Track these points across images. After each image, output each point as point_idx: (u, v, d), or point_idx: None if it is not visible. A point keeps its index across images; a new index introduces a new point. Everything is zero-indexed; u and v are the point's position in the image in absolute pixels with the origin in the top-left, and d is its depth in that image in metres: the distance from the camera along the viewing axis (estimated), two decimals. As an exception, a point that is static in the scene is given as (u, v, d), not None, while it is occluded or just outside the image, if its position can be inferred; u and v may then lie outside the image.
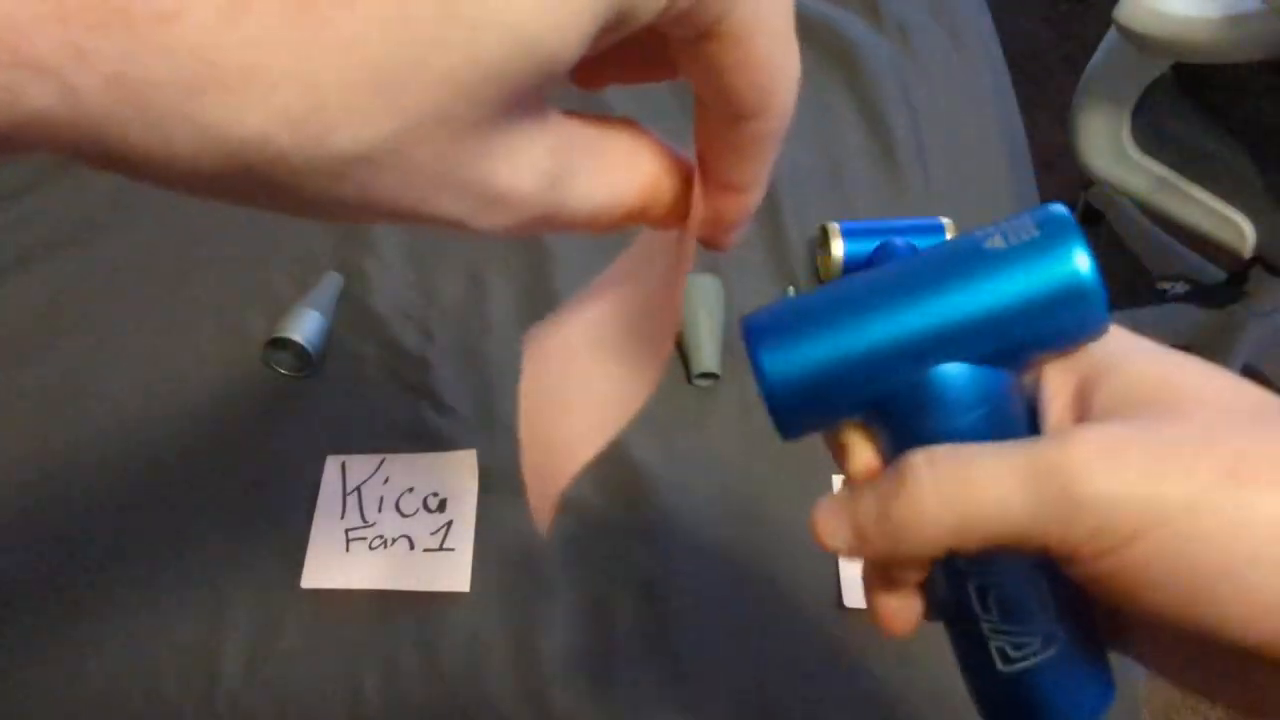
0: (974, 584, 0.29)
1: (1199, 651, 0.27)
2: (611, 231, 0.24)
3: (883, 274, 0.29)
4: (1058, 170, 1.80)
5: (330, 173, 0.16)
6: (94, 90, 0.14)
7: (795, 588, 0.68)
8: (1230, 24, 1.09)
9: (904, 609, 0.30)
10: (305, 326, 0.79)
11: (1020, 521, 0.25)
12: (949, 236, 0.83)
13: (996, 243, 0.27)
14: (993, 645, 0.30)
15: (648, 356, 0.27)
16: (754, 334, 0.29)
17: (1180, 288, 1.61)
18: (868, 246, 0.83)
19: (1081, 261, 0.26)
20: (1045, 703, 0.29)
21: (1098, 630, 0.30)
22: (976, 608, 0.29)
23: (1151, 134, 1.33)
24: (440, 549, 0.71)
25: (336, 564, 0.70)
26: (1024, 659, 0.29)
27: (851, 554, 0.28)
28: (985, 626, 0.29)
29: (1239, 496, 0.23)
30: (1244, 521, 0.22)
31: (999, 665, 0.29)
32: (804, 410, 0.29)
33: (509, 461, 0.75)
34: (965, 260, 0.28)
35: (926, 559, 0.28)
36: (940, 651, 0.66)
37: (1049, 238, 0.27)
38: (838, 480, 0.72)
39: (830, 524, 0.28)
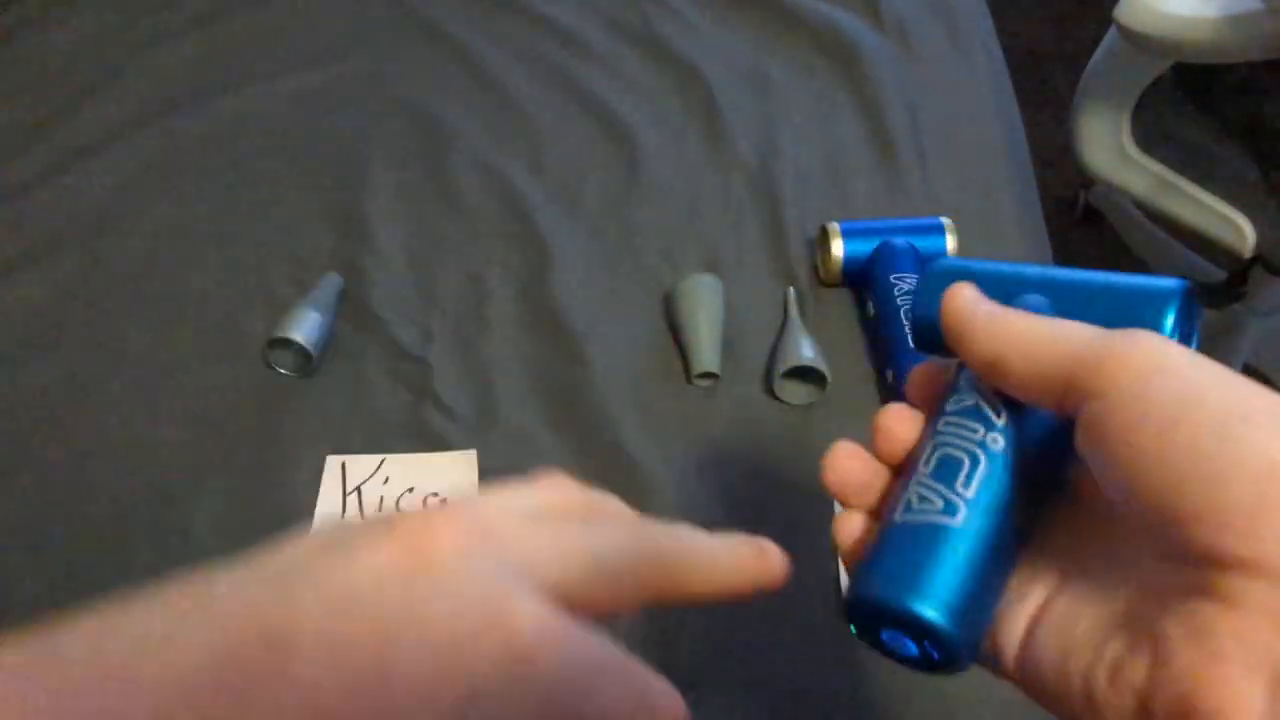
0: (934, 441, 0.31)
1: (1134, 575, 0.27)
2: None
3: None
4: (1058, 170, 1.80)
5: None
6: None
7: (795, 588, 0.68)
8: (1230, 24, 1.09)
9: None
10: (305, 326, 0.79)
11: (1072, 355, 0.26)
12: (949, 236, 0.83)
13: None
14: (907, 494, 0.31)
15: None
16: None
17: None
18: (868, 246, 0.83)
19: None
20: (906, 564, 0.30)
21: (999, 583, 0.30)
22: (920, 462, 0.31)
23: (1151, 134, 1.33)
24: (440, 549, 0.71)
25: (336, 564, 0.70)
26: (918, 513, 0.30)
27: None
28: (914, 479, 0.31)
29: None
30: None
31: (896, 515, 0.31)
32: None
33: (509, 461, 0.75)
34: None
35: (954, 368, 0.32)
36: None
37: None
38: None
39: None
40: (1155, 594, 0.25)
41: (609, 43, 1.10)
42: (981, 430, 0.31)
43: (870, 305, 0.82)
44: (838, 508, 0.68)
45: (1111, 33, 1.28)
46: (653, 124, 1.01)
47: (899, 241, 0.82)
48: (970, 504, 0.29)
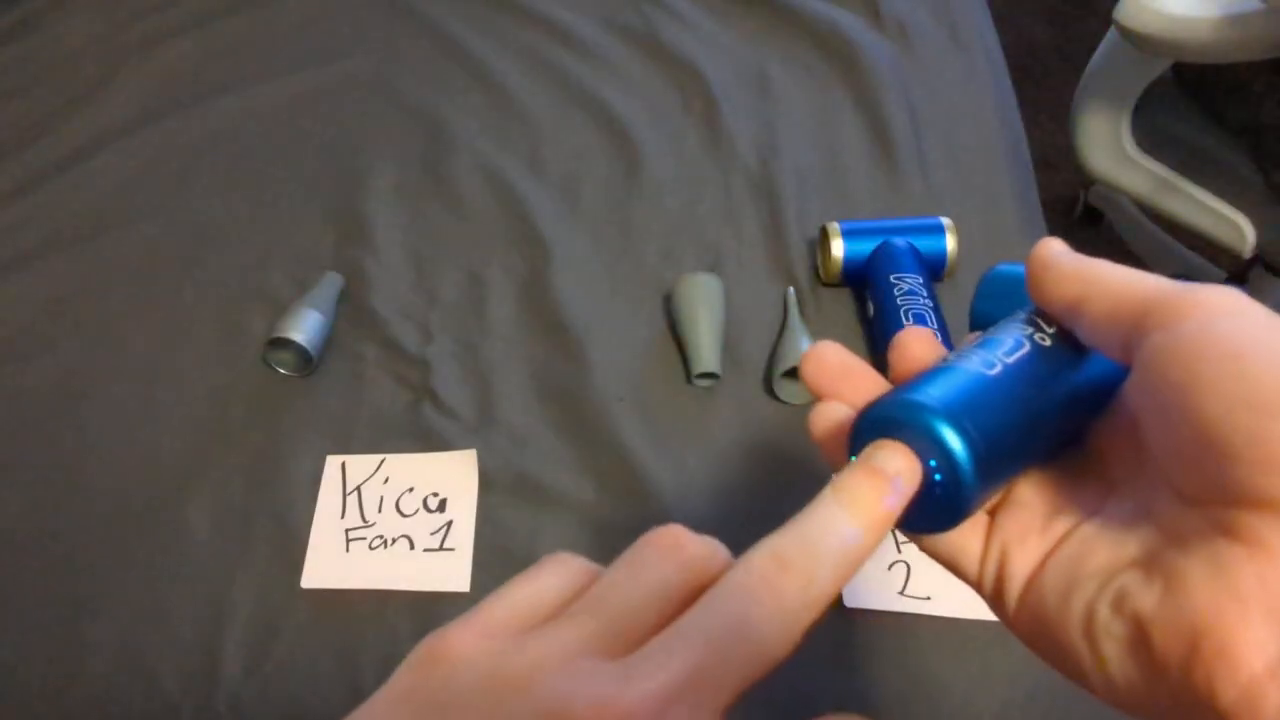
0: (977, 338, 0.30)
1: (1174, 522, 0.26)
2: None
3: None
4: (1058, 170, 1.80)
5: None
6: None
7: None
8: (1230, 24, 1.09)
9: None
10: (305, 326, 0.79)
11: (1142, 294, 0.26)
12: (949, 236, 0.83)
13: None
14: (938, 361, 0.30)
15: None
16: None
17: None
18: (868, 246, 0.83)
19: None
20: (927, 383, 0.28)
21: (1017, 452, 0.29)
22: (957, 348, 0.30)
23: (1151, 134, 1.33)
24: (440, 549, 0.71)
25: (336, 564, 0.70)
26: (950, 362, 0.29)
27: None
28: (949, 354, 0.30)
29: None
30: None
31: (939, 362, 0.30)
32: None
33: (509, 461, 0.75)
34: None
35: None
36: (940, 652, 0.66)
37: None
38: (838, 480, 0.72)
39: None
40: (1178, 537, 0.25)
41: (609, 43, 1.10)
42: (1031, 329, 0.30)
43: (870, 305, 0.82)
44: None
45: (1111, 33, 1.28)
46: (653, 124, 1.01)
47: (899, 241, 0.82)
48: (1009, 367, 0.28)
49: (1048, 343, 0.29)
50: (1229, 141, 1.29)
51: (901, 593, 0.67)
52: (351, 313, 0.85)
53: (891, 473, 0.27)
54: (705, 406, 0.78)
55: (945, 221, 0.84)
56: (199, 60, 1.10)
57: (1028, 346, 0.29)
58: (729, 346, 0.80)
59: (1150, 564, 0.25)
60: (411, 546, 0.71)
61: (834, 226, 0.84)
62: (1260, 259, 1.33)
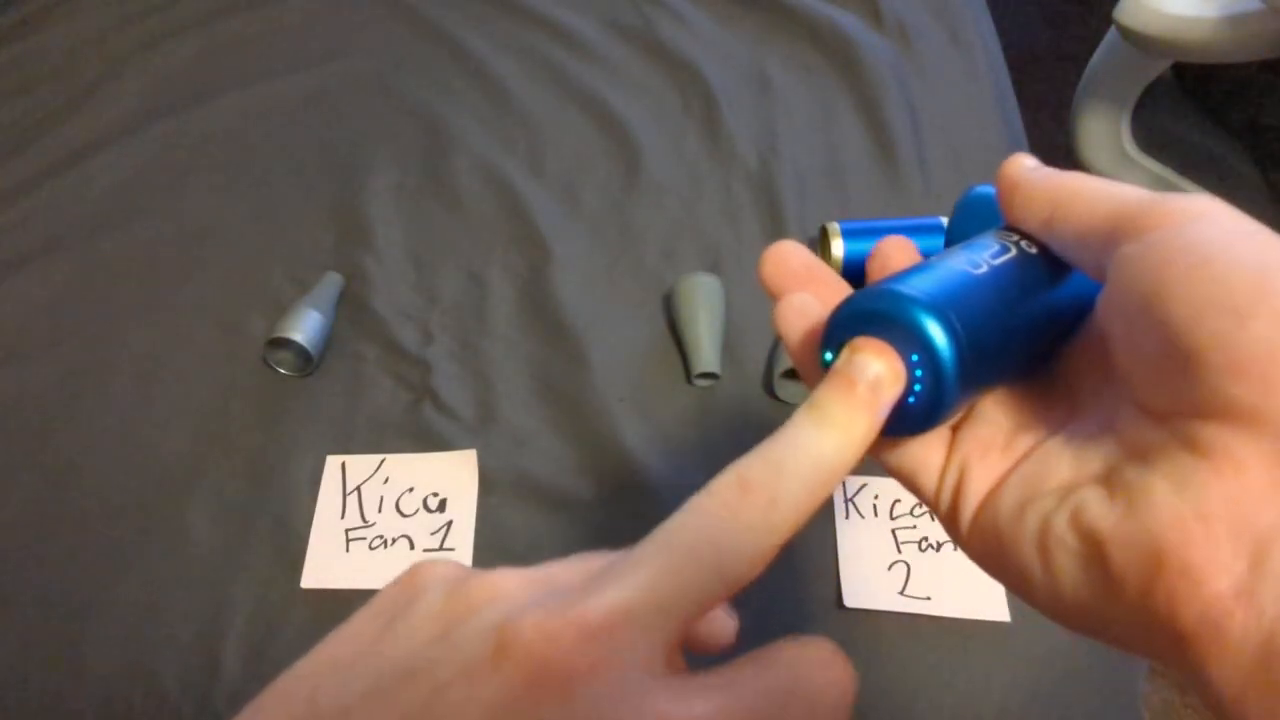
0: (966, 242, 0.29)
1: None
2: None
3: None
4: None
5: None
6: None
7: (795, 588, 0.68)
8: (1230, 24, 1.09)
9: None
10: (305, 326, 0.79)
11: (1119, 204, 0.25)
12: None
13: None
14: (921, 261, 0.29)
15: None
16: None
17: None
18: (868, 246, 0.83)
19: None
20: (911, 276, 0.27)
21: (998, 357, 0.27)
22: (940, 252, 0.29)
23: (1151, 134, 1.33)
24: (440, 549, 0.71)
25: (336, 564, 0.70)
26: (934, 261, 0.28)
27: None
28: (931, 257, 0.29)
29: None
30: None
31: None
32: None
33: (509, 461, 0.75)
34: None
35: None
36: (940, 652, 0.66)
37: None
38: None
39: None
40: (1141, 453, 0.24)
41: (609, 43, 1.09)
42: (1016, 236, 0.29)
43: (870, 305, 0.82)
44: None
45: (1111, 33, 1.28)
46: (653, 124, 1.01)
47: (899, 241, 0.82)
48: (995, 269, 0.27)
49: (1033, 251, 0.28)
50: (1229, 141, 1.29)
51: (901, 593, 0.67)
52: (351, 313, 0.85)
53: (871, 378, 0.25)
54: (705, 406, 0.78)
55: (945, 221, 0.84)
56: (199, 60, 1.10)
57: (1013, 252, 0.28)
58: (729, 346, 0.80)
59: (1112, 480, 0.24)
60: (411, 546, 0.71)
61: (834, 226, 0.84)
62: (1260, 259, 1.33)
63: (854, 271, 0.83)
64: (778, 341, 0.80)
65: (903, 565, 0.68)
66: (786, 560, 0.70)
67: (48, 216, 0.94)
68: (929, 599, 0.66)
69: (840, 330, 0.26)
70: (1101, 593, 0.23)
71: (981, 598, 0.66)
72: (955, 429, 0.29)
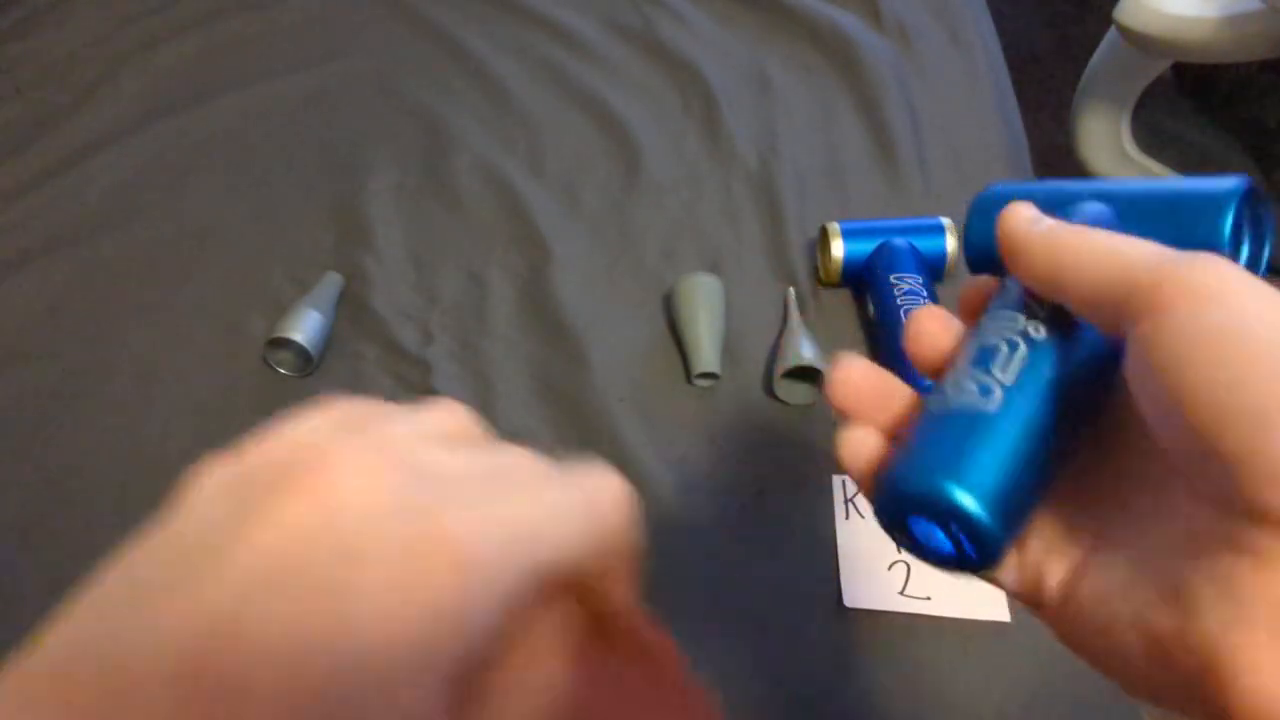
0: (974, 335, 0.30)
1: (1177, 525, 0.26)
2: None
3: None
4: (1058, 170, 1.80)
5: None
6: None
7: (795, 588, 0.68)
8: (1230, 24, 1.09)
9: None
10: (305, 326, 0.79)
11: (1121, 268, 0.25)
12: (949, 237, 0.83)
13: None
14: (943, 386, 0.29)
15: None
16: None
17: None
18: (868, 246, 0.83)
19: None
20: (939, 448, 0.28)
21: (1037, 480, 0.28)
22: (959, 357, 0.30)
23: (1151, 134, 1.33)
24: (440, 549, 0.71)
25: (336, 564, 0.70)
26: (952, 400, 0.29)
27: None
28: (951, 371, 0.30)
29: None
30: None
31: (930, 405, 0.29)
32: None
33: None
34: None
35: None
36: (940, 652, 0.66)
37: None
38: (837, 481, 0.72)
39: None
40: (1189, 542, 0.24)
41: (609, 43, 1.10)
42: (1023, 319, 0.29)
43: (870, 305, 0.82)
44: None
45: (1111, 33, 1.28)
46: (653, 124, 1.01)
47: (899, 241, 0.82)
48: (1008, 390, 0.28)
49: (1043, 333, 0.29)
50: (1229, 141, 1.29)
51: (901, 593, 0.67)
52: (351, 313, 0.85)
53: None
54: (705, 406, 0.78)
55: (945, 221, 0.84)
56: (199, 60, 1.10)
57: (1022, 348, 0.29)
58: (729, 346, 0.80)
59: (1164, 583, 0.25)
60: (411, 546, 0.71)
61: (834, 226, 0.84)
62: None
63: (854, 271, 0.83)
64: (778, 342, 0.80)
65: (903, 565, 0.68)
66: (786, 560, 0.70)
67: (48, 216, 0.94)
68: (929, 599, 0.66)
69: (888, 506, 0.29)
70: (1174, 684, 0.24)
71: (981, 598, 0.66)
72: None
